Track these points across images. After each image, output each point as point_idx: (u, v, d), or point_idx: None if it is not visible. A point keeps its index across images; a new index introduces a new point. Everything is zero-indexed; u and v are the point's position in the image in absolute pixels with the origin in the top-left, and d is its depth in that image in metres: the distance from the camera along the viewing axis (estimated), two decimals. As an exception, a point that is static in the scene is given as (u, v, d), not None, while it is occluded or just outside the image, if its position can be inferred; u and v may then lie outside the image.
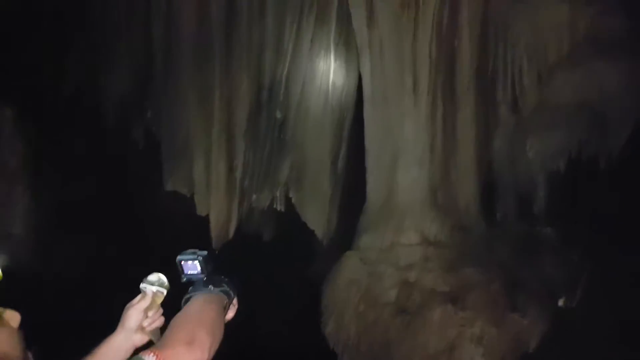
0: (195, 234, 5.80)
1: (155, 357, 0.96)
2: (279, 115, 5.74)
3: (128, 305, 1.23)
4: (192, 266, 1.24)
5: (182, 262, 1.25)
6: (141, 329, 1.22)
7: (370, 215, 5.03)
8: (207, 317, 1.12)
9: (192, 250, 1.28)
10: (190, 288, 1.20)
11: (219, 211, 5.68)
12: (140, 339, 1.22)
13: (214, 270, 1.22)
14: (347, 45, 5.63)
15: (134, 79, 5.69)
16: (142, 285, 1.23)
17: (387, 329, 4.65)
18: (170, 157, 5.86)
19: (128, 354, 1.18)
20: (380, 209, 4.96)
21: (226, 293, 1.22)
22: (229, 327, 1.12)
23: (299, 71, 5.63)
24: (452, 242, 4.69)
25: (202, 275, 1.21)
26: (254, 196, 5.92)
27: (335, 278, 4.92)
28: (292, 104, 5.71)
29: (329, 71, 5.64)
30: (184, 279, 1.21)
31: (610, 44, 4.55)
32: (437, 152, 4.89)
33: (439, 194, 4.85)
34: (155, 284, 1.24)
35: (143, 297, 1.22)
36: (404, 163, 4.85)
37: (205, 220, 5.80)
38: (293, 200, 5.94)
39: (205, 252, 1.26)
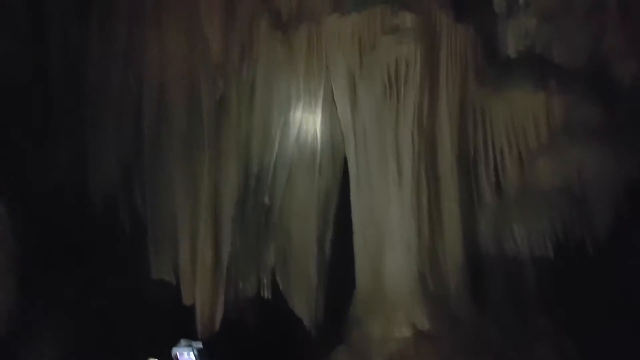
0: (181, 324, 5.63)
1: None
2: (266, 201, 5.76)
3: None
4: (187, 358, 1.24)
5: (178, 354, 1.24)
6: None
7: (360, 305, 4.93)
8: None
9: (187, 342, 1.27)
10: None
11: (204, 301, 5.53)
12: None
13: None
14: (333, 132, 5.77)
15: (123, 165, 5.75)
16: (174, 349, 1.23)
17: None
18: (157, 244, 5.80)
19: None
20: (370, 297, 4.87)
21: None
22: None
23: (286, 158, 5.72)
24: (445, 334, 4.56)
25: None
26: (241, 283, 5.80)
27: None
28: (279, 190, 5.75)
29: (316, 157, 5.73)
30: None
31: (586, 131, 4.72)
32: (424, 237, 4.89)
33: (428, 280, 4.79)
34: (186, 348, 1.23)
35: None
36: (391, 249, 4.83)
37: (192, 309, 5.66)
38: (280, 287, 5.82)
39: (200, 344, 1.26)
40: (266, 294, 5.81)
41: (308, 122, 5.74)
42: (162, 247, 5.77)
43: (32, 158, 5.45)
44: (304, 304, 5.73)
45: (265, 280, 5.86)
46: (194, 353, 1.25)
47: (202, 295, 5.53)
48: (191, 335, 5.51)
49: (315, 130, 5.76)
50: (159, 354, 4.84)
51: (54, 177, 5.53)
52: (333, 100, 5.61)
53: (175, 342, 5.17)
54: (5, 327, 4.81)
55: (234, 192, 5.64)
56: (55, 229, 5.57)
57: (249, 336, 5.87)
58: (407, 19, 5.23)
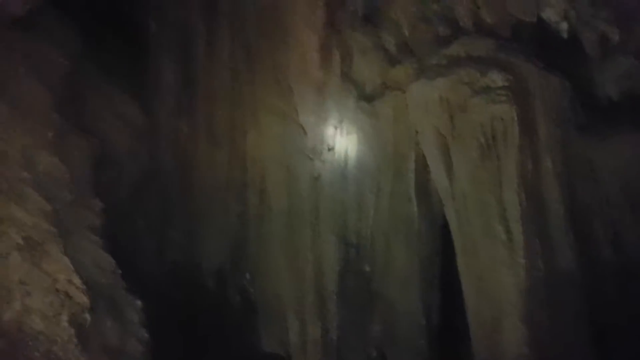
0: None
1: None
2: (366, 269, 5.78)
3: None
4: None
5: None
6: None
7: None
8: None
9: None
10: None
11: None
12: None
13: None
14: (428, 195, 5.73)
15: (231, 247, 6.03)
16: None
17: None
18: (266, 319, 5.97)
19: None
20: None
21: None
22: None
23: (383, 226, 5.74)
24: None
25: None
26: (349, 355, 5.79)
27: None
28: (379, 259, 5.76)
29: (413, 223, 5.70)
30: None
31: None
32: (543, 306, 4.63)
33: (548, 352, 4.51)
34: None
35: None
36: (510, 321, 4.61)
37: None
38: (388, 358, 5.74)
39: None
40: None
41: (401, 188, 5.76)
42: (271, 321, 5.93)
43: (149, 243, 5.86)
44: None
45: (373, 352, 5.81)
46: None
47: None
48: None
49: (410, 195, 5.75)
50: None
51: (169, 259, 5.92)
52: (425, 164, 5.61)
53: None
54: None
55: (335, 265, 5.72)
56: (171, 306, 5.90)
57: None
58: (497, 78, 5.16)
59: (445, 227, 5.55)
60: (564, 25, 5.59)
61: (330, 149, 5.50)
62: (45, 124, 3.89)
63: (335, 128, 5.47)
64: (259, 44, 5.19)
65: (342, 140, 5.61)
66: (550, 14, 5.61)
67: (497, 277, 4.87)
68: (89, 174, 4.45)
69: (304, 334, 5.71)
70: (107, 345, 3.93)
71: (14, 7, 3.63)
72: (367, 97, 5.74)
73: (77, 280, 2.86)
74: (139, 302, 4.30)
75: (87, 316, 2.92)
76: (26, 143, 3.38)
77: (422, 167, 5.65)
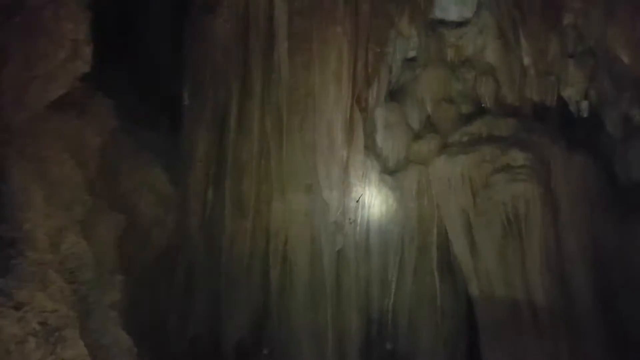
0: None
1: None
2: (389, 347, 5.66)
3: None
4: None
5: None
6: None
7: None
8: None
9: None
10: None
11: None
12: None
13: None
14: (451, 271, 5.69)
15: (253, 317, 5.99)
16: None
17: None
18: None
19: None
20: None
21: None
22: None
23: (405, 300, 5.67)
24: None
25: None
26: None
27: None
28: (400, 335, 5.65)
29: (436, 299, 5.62)
30: None
31: None
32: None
33: None
34: None
35: None
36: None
37: None
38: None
39: None
40: None
41: (425, 263, 5.73)
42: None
43: (171, 317, 5.86)
44: None
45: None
46: None
47: None
48: None
49: (432, 270, 5.71)
50: None
51: (190, 333, 5.89)
52: (447, 239, 5.60)
53: None
54: None
55: (358, 339, 5.62)
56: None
57: None
58: (519, 157, 5.24)
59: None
60: (585, 105, 5.71)
61: (353, 222, 5.54)
62: (75, 204, 3.98)
63: (358, 202, 5.54)
64: (288, 121, 5.40)
65: (365, 213, 5.67)
66: (571, 93, 5.75)
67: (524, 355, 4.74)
68: (112, 251, 4.51)
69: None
70: None
71: (52, 92, 3.82)
72: (390, 171, 5.85)
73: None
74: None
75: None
76: (53, 225, 3.45)
77: (446, 242, 5.65)
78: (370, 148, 5.87)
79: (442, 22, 5.97)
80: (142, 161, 5.81)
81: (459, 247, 5.39)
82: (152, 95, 6.48)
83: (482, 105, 5.82)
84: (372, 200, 5.72)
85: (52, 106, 4.03)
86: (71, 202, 3.92)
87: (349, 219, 5.50)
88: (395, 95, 6.07)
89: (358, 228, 5.59)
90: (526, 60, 5.74)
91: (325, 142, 5.34)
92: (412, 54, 6.04)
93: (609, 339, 4.72)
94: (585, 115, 5.69)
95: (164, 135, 6.19)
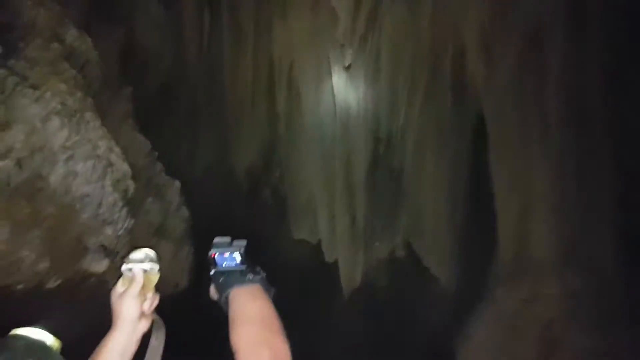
0: (323, 277, 6.04)
1: None
2: (396, 165, 5.83)
3: (116, 294, 1.06)
4: (229, 258, 1.05)
5: (217, 255, 1.05)
6: (142, 314, 1.06)
7: (504, 266, 4.86)
8: (272, 319, 0.99)
9: (227, 240, 1.07)
10: (221, 280, 1.04)
11: (345, 260, 5.87)
12: (145, 325, 1.07)
13: (251, 261, 1.06)
14: (464, 90, 5.59)
15: (262, 147, 6.13)
16: (126, 267, 1.04)
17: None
18: (296, 212, 6.19)
19: (136, 347, 1.06)
20: (515, 258, 4.78)
21: (267, 286, 1.05)
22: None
23: (414, 120, 5.69)
24: (597, 296, 4.34)
25: (242, 267, 1.05)
26: (376, 244, 6.02)
27: (469, 333, 4.79)
28: (408, 154, 5.78)
29: (446, 117, 5.62)
30: (212, 272, 1.05)
31: None
32: (572, 201, 4.61)
33: (577, 245, 4.55)
34: (145, 261, 1.06)
35: (132, 280, 1.05)
36: (538, 213, 4.64)
37: (333, 265, 6.03)
38: (414, 248, 5.95)
39: (244, 242, 1.07)
40: (401, 255, 6.00)
41: (436, 82, 5.62)
42: (301, 214, 6.15)
43: (182, 147, 5.99)
44: (440, 263, 5.80)
45: (399, 242, 6.03)
46: (239, 252, 0.95)
47: (342, 255, 5.85)
48: (336, 293, 5.91)
49: (445, 90, 5.62)
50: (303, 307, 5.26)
51: (202, 163, 6.08)
52: (463, 59, 5.41)
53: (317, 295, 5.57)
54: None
55: (365, 158, 5.76)
56: (208, 205, 6.16)
57: (386, 292, 6.11)
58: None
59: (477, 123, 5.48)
60: None
61: (363, 38, 5.31)
62: (76, 5, 3.86)
63: (370, 15, 5.24)
64: None
65: (376, 29, 5.39)
66: None
67: (530, 170, 4.84)
68: (116, 67, 4.46)
69: (332, 225, 5.92)
70: (151, 222, 4.19)
71: None
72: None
73: (117, 149, 2.99)
74: (177, 183, 4.51)
75: (130, 183, 3.08)
76: (55, 15, 3.35)
77: (460, 60, 5.46)
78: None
79: None
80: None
81: (474, 64, 5.23)
82: None
83: None
84: (385, 16, 5.41)
85: None
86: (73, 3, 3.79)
87: (360, 34, 5.26)
88: None
89: (369, 45, 5.38)
90: None
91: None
92: None
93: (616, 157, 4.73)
94: None
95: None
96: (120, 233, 3.00)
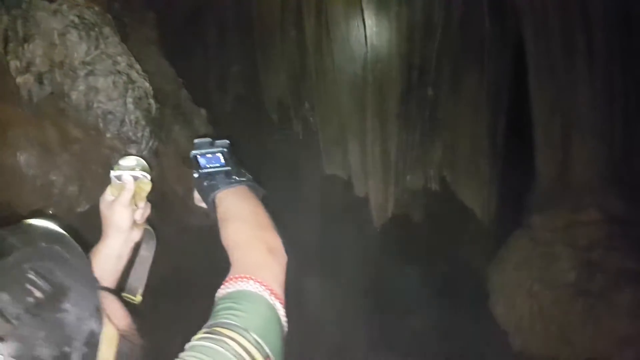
0: (355, 212, 6.02)
1: (258, 283, 0.82)
2: (430, 92, 5.60)
3: (105, 202, 1.01)
4: (213, 159, 1.00)
5: (199, 157, 0.99)
6: (134, 223, 1.02)
7: (542, 192, 4.68)
8: (262, 216, 0.95)
9: (208, 140, 1.01)
10: (206, 183, 0.99)
11: (376, 193, 5.80)
12: (137, 235, 1.04)
13: (236, 162, 1.00)
14: (503, 12, 5.23)
15: (291, 75, 6.00)
16: (115, 174, 0.99)
17: (566, 311, 4.32)
18: (327, 144, 6.11)
19: (128, 257, 1.03)
20: (553, 185, 4.58)
21: (255, 186, 1.01)
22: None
23: (450, 44, 5.40)
24: (638, 221, 4.13)
25: (227, 168, 1.00)
26: (408, 177, 5.91)
27: (503, 258, 4.71)
28: (442, 80, 5.53)
29: (483, 41, 5.30)
30: (196, 174, 0.99)
31: None
32: (615, 125, 4.32)
33: (621, 168, 4.30)
34: (136, 169, 0.99)
35: (122, 188, 0.99)
36: (579, 139, 4.39)
37: (364, 200, 5.98)
38: (448, 180, 5.80)
39: (226, 142, 1.01)
40: (434, 186, 5.87)
41: (474, 3, 5.27)
42: (332, 146, 6.07)
43: (211, 78, 5.94)
44: (475, 195, 5.66)
45: (432, 174, 5.89)
46: (221, 152, 0.96)
47: (373, 188, 5.77)
48: (368, 226, 5.89)
49: (483, 11, 5.28)
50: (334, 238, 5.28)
51: (231, 91, 6.03)
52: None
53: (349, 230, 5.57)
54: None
55: (398, 85, 5.55)
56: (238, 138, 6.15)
57: (419, 225, 6.06)
58: None
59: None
60: None
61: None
62: None
63: None
64: None
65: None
66: None
67: (572, 93, 4.55)
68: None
69: (363, 157, 5.82)
70: (180, 150, 4.21)
71: None
72: None
73: (137, 66, 2.95)
74: (204, 111, 4.48)
75: (152, 102, 3.05)
76: None
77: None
78: None
79: None
80: None
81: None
82: None
83: None
84: None
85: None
86: None
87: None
88: None
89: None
90: None
91: None
92: None
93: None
94: None
95: None
96: (144, 153, 3.01)
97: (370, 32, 5.38)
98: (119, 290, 1.04)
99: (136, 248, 1.03)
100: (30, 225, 0.83)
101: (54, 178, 3.03)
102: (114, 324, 0.79)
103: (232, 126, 5.68)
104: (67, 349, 0.70)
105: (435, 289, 5.09)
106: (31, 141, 2.97)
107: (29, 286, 0.70)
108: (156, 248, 1.06)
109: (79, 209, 3.22)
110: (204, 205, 1.02)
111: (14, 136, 2.95)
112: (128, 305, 0.91)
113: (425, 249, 5.69)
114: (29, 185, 3.05)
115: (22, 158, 2.86)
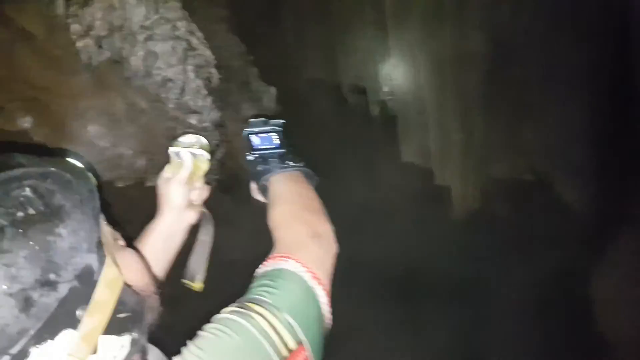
0: (434, 203, 5.70)
1: (298, 263, 0.78)
2: (518, 73, 5.10)
3: (162, 180, 0.99)
4: (266, 139, 0.97)
5: (252, 136, 0.97)
6: (190, 204, 1.00)
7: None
8: (312, 200, 0.92)
9: (262, 119, 0.99)
10: (260, 167, 0.97)
11: (458, 182, 5.44)
12: (192, 216, 1.02)
13: (291, 144, 0.95)
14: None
15: (370, 59, 5.81)
16: (173, 150, 0.98)
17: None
18: (405, 130, 5.85)
19: (183, 238, 1.02)
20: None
21: (310, 174, 0.98)
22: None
23: (541, 17, 4.88)
24: None
25: (281, 151, 0.97)
26: (494, 165, 5.46)
27: (609, 261, 4.16)
28: (533, 58, 5.01)
29: (581, 13, 4.73)
30: (251, 157, 0.98)
31: None
32: None
33: None
34: (195, 146, 0.97)
35: (180, 165, 0.97)
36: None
37: (444, 189, 5.63)
38: (538, 168, 5.27)
39: (281, 121, 1.00)
40: (525, 176, 5.37)
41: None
42: (410, 132, 5.80)
43: (286, 61, 5.90)
44: (571, 185, 5.09)
45: (521, 162, 5.39)
46: (276, 132, 0.94)
47: (454, 176, 5.43)
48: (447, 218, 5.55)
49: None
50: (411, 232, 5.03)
51: (307, 77, 5.95)
52: None
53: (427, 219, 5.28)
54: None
55: (481, 66, 5.14)
56: (313, 119, 6.06)
57: (505, 220, 5.59)
58: None
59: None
60: None
61: None
62: None
63: None
64: None
65: None
66: None
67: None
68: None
69: (444, 143, 5.48)
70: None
71: None
72: None
73: (199, 34, 2.92)
74: (274, 89, 4.41)
75: (214, 71, 3.01)
76: None
77: None
78: None
79: None
80: None
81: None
82: None
83: None
84: None
85: None
86: None
87: None
88: None
89: None
90: None
91: None
92: None
93: None
94: None
95: None
96: (206, 124, 2.97)
97: (451, 7, 5.03)
98: (177, 277, 1.02)
99: (194, 233, 1.02)
100: (53, 158, 0.81)
101: (122, 151, 3.08)
102: (123, 275, 0.75)
103: (304, 107, 5.58)
104: (52, 276, 0.64)
105: (523, 293, 4.67)
106: (99, 113, 3.03)
107: (21, 200, 0.65)
108: (215, 231, 1.02)
109: (149, 183, 3.26)
110: (261, 198, 1.01)
111: (83, 107, 3.04)
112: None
113: (513, 246, 5.24)
114: (97, 158, 3.13)
115: (91, 130, 2.93)
